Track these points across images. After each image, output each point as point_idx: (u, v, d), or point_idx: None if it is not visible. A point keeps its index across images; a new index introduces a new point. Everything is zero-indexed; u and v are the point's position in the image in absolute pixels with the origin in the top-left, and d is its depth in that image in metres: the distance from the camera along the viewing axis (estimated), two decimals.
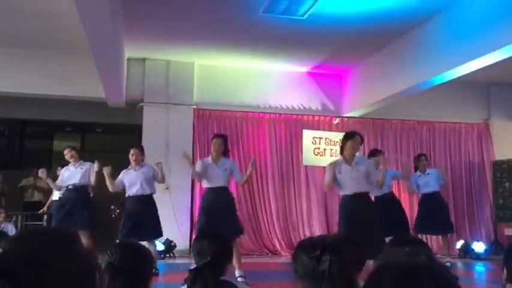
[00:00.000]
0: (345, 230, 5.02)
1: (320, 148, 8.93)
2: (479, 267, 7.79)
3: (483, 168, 9.82)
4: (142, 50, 8.45)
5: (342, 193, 5.29)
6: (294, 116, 9.38)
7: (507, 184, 9.22)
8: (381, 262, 1.38)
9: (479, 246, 8.70)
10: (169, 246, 8.13)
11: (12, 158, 12.66)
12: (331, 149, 8.97)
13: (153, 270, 1.89)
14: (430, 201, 7.50)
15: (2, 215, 7.54)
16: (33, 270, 0.78)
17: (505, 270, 1.67)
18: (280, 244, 8.85)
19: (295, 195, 9.20)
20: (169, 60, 8.81)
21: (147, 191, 6.16)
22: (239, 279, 5.35)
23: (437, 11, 6.52)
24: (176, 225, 8.37)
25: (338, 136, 9.17)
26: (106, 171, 6.09)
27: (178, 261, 7.71)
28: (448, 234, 7.72)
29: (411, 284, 0.88)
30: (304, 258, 1.59)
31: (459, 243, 9.05)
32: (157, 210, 6.30)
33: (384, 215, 6.04)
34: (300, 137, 9.13)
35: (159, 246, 7.92)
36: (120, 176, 6.19)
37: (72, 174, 6.95)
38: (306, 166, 9.18)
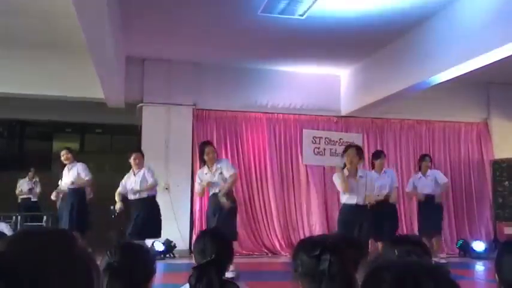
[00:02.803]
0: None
1: (320, 148, 8.94)
2: (479, 266, 7.79)
3: (482, 167, 9.83)
4: (141, 50, 8.44)
5: (343, 201, 5.60)
6: (294, 116, 9.38)
7: (506, 183, 9.23)
8: (376, 262, 1.38)
9: (478, 245, 8.71)
10: (169, 246, 8.13)
11: (11, 159, 12.66)
12: (331, 149, 8.99)
13: (153, 270, 1.89)
14: (427, 204, 7.54)
15: None
16: (30, 271, 0.78)
17: (496, 276, 1.67)
18: (280, 244, 8.85)
19: (294, 194, 9.20)
20: (168, 60, 8.80)
21: (144, 194, 6.38)
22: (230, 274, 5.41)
23: (435, 10, 6.52)
24: (176, 225, 8.37)
25: (338, 136, 9.22)
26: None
27: (178, 261, 7.71)
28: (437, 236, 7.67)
29: (410, 283, 0.88)
30: (304, 257, 1.59)
31: (459, 242, 9.07)
32: (158, 212, 6.40)
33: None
34: (299, 136, 9.14)
35: (159, 246, 7.93)
36: (123, 182, 6.52)
37: (65, 177, 7.08)
38: (305, 166, 9.19)
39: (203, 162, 6.35)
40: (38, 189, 10.31)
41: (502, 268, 1.60)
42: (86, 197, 7.31)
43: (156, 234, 6.58)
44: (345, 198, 5.67)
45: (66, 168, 7.18)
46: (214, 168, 6.15)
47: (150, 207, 6.43)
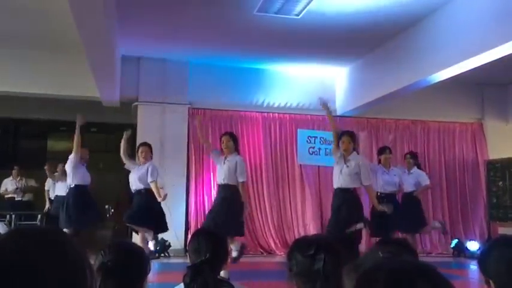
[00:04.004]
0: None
1: (315, 147, 8.95)
2: (473, 266, 7.82)
3: (477, 167, 9.87)
4: (136, 49, 8.42)
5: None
6: (289, 115, 9.38)
7: (501, 183, 9.27)
8: (362, 263, 1.38)
9: (473, 245, 8.74)
10: (164, 245, 8.11)
11: (6, 158, 12.60)
12: (326, 148, 9.00)
13: (147, 269, 1.88)
14: (407, 201, 7.46)
15: None
16: (23, 270, 0.78)
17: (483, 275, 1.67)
18: (275, 243, 8.85)
19: (289, 194, 9.21)
20: (163, 59, 8.79)
21: (141, 186, 6.35)
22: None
23: (431, 10, 6.54)
24: (171, 224, 8.34)
25: (333, 135, 9.22)
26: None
27: (172, 260, 7.70)
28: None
29: (404, 283, 0.88)
30: (299, 257, 1.59)
31: (453, 242, 9.10)
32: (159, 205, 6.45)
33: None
34: (294, 136, 9.15)
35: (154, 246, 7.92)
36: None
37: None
38: (300, 165, 9.20)
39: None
40: (22, 188, 9.98)
41: (487, 265, 1.61)
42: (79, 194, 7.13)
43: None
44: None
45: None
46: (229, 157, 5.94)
47: (150, 197, 6.37)
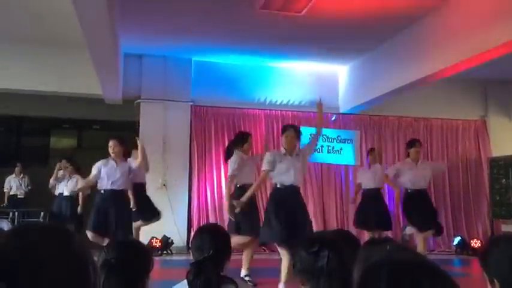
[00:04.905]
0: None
1: (317, 145, 8.93)
2: (477, 264, 7.81)
3: (480, 165, 9.85)
4: (139, 46, 8.42)
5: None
6: (291, 113, 9.37)
7: (504, 181, 9.24)
8: (364, 261, 1.38)
9: (475, 243, 8.73)
10: (167, 242, 8.13)
11: (8, 155, 12.62)
12: (329, 146, 9.01)
13: (150, 266, 1.88)
14: (369, 198, 7.41)
15: None
16: (26, 266, 0.78)
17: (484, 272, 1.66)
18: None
19: None
20: (166, 56, 8.79)
21: (122, 187, 5.91)
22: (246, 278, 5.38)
23: (434, 7, 6.51)
24: (173, 221, 8.37)
25: (335, 133, 9.23)
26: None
27: (175, 258, 7.70)
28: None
29: (407, 278, 0.87)
30: (303, 253, 1.59)
31: (456, 240, 9.10)
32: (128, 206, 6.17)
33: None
34: None
35: (157, 243, 7.93)
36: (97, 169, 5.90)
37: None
38: None
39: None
40: (24, 186, 9.99)
41: (490, 263, 1.60)
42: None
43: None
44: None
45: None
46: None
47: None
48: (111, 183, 5.77)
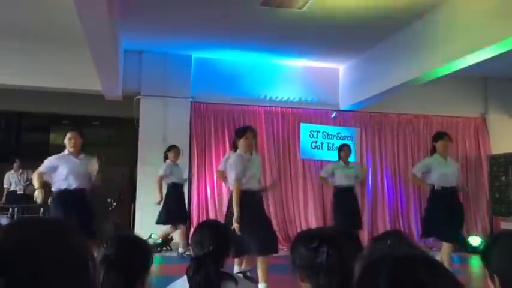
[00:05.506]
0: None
1: (317, 142, 8.94)
2: (476, 261, 7.82)
3: (480, 162, 9.84)
4: (139, 42, 8.41)
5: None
6: (291, 110, 9.37)
7: (503, 178, 9.24)
8: (368, 256, 1.38)
9: (475, 240, 8.74)
10: (167, 239, 8.13)
11: (8, 151, 12.62)
12: (328, 143, 8.99)
13: (150, 262, 1.88)
14: (344, 196, 7.13)
15: None
16: (25, 260, 0.77)
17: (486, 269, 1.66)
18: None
19: (291, 188, 9.21)
20: (166, 53, 8.77)
21: (83, 185, 5.28)
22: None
23: (434, 4, 6.50)
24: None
25: (335, 130, 9.22)
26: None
27: (175, 254, 7.71)
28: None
29: (407, 274, 0.87)
30: (302, 249, 1.59)
31: None
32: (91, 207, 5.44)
33: None
34: (297, 130, 9.13)
35: (157, 239, 7.93)
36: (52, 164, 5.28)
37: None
38: (303, 160, 9.19)
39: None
40: (23, 182, 9.98)
41: (490, 260, 1.60)
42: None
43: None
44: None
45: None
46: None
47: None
48: (75, 180, 5.15)
